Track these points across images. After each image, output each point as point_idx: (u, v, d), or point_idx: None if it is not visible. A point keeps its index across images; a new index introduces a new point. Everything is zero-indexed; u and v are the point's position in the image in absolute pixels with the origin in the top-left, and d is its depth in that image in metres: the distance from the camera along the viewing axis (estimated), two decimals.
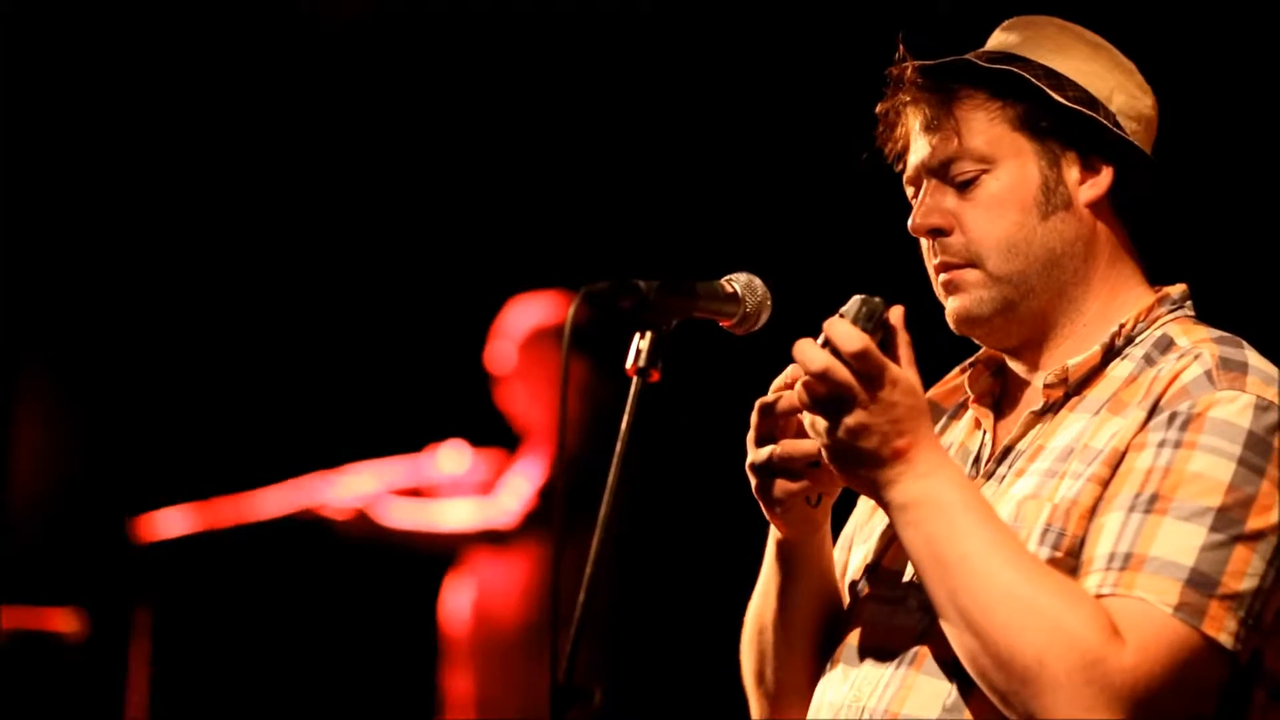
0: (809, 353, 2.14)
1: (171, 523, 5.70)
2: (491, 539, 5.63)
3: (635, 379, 2.20)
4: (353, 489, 5.67)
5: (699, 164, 5.75)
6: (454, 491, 5.79)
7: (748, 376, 2.38)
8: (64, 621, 5.52)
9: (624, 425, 2.19)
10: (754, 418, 2.30)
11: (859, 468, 2.18)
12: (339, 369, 6.59)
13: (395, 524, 5.64)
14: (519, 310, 5.81)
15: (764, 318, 2.34)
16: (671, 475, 5.32)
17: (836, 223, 4.99)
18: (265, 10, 6.46)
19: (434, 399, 6.09)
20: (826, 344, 2.15)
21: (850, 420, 2.14)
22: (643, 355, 2.20)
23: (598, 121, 6.10)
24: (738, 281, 2.33)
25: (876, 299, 2.21)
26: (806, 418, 2.19)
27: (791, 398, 2.24)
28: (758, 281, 2.33)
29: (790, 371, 2.26)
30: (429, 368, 6.28)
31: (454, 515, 5.70)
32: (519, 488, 5.64)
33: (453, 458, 5.82)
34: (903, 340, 2.20)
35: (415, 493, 5.81)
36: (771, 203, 5.48)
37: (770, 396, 2.29)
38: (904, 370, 2.18)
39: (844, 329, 2.14)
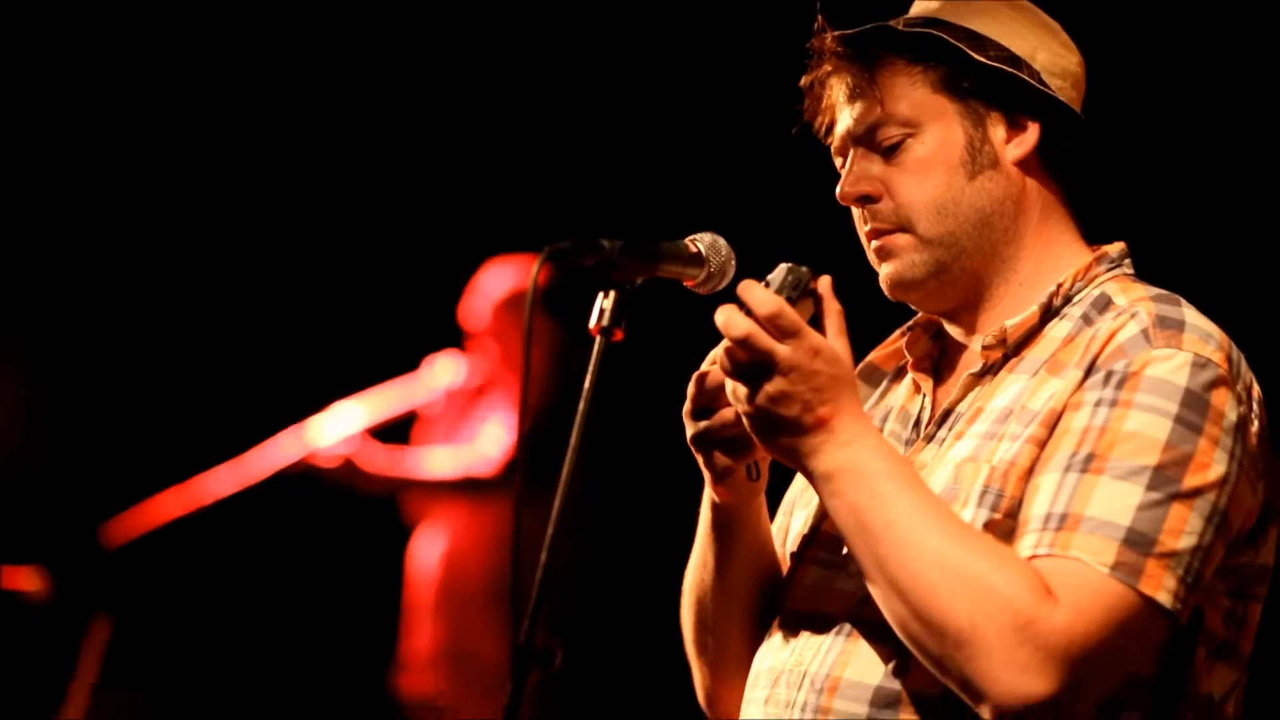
0: (732, 319, 2.13)
1: (152, 514, 5.73)
2: (471, 487, 5.65)
3: (598, 338, 2.20)
4: (341, 428, 5.69)
5: (676, 129, 5.75)
6: (449, 408, 5.82)
7: (711, 337, 2.36)
8: (27, 580, 5.50)
9: (587, 385, 2.19)
10: (690, 389, 2.29)
11: (780, 436, 2.16)
12: (314, 333, 6.58)
13: (380, 469, 5.66)
14: (494, 272, 5.82)
15: (728, 278, 2.32)
16: (636, 435, 5.31)
17: (801, 184, 4.98)
18: None
19: (408, 355, 6.08)
20: (746, 310, 2.14)
21: (770, 387, 2.13)
22: (606, 314, 2.20)
23: (575, 92, 6.10)
24: (702, 242, 2.32)
25: (804, 268, 2.20)
26: (729, 385, 2.18)
27: (716, 372, 2.23)
28: (722, 241, 2.32)
29: (724, 344, 2.23)
30: (403, 328, 6.27)
31: (435, 463, 5.73)
32: (497, 436, 5.66)
33: (448, 367, 5.84)
34: (832, 309, 2.19)
35: (410, 415, 5.83)
36: (737, 165, 5.48)
37: (704, 368, 2.28)
38: (831, 339, 2.16)
39: (759, 293, 2.13)
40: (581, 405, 2.18)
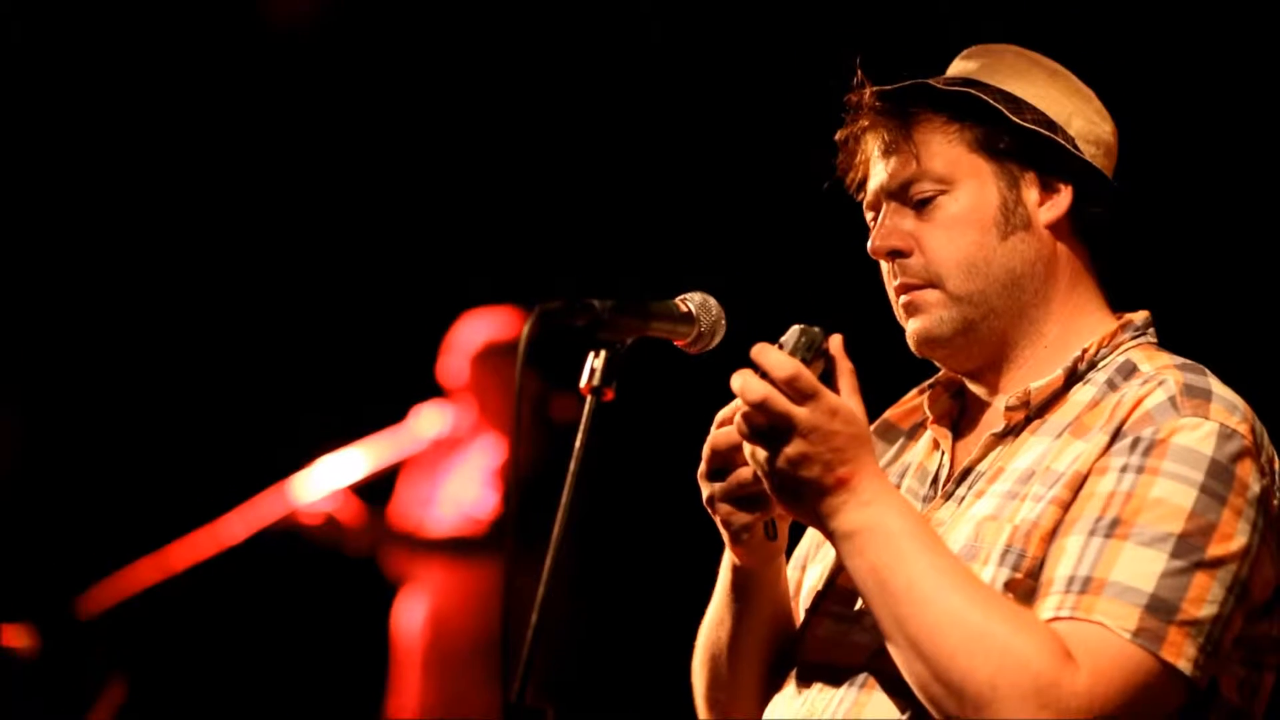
0: (748, 383, 2.13)
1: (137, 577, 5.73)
2: (456, 547, 5.65)
3: (589, 398, 2.20)
4: (326, 484, 5.68)
5: (656, 184, 5.76)
6: (433, 460, 5.82)
7: (702, 396, 2.37)
8: (16, 637, 5.48)
9: (578, 444, 2.18)
10: (704, 452, 2.28)
11: (801, 497, 2.16)
12: (296, 379, 6.58)
13: (365, 527, 5.64)
14: (471, 325, 5.82)
15: (718, 337, 2.33)
16: (627, 494, 5.32)
17: (792, 244, 5.00)
18: (221, 14, 6.44)
19: (389, 411, 6.08)
20: (760, 373, 2.13)
21: (790, 450, 2.13)
22: (597, 374, 2.20)
23: (555, 140, 6.11)
24: (692, 301, 2.32)
25: (815, 329, 2.20)
26: (747, 448, 2.17)
27: (731, 433, 2.22)
28: (712, 301, 2.33)
29: (733, 404, 2.23)
30: (381, 381, 6.27)
31: (420, 522, 5.73)
32: (481, 494, 5.66)
33: (433, 418, 5.83)
34: (844, 368, 2.19)
35: (394, 471, 5.83)
36: (727, 223, 5.49)
37: (715, 428, 2.27)
38: (844, 398, 2.16)
39: (774, 356, 2.13)
40: (573, 465, 2.18)
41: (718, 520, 2.31)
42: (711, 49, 5.57)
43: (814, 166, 2.47)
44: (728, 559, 2.39)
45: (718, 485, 2.28)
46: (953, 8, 4.25)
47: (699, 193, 5.61)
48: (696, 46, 5.62)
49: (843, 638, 2.32)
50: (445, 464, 5.86)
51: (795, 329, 2.21)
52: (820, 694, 2.30)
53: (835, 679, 2.29)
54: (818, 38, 4.86)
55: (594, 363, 2.20)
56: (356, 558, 5.75)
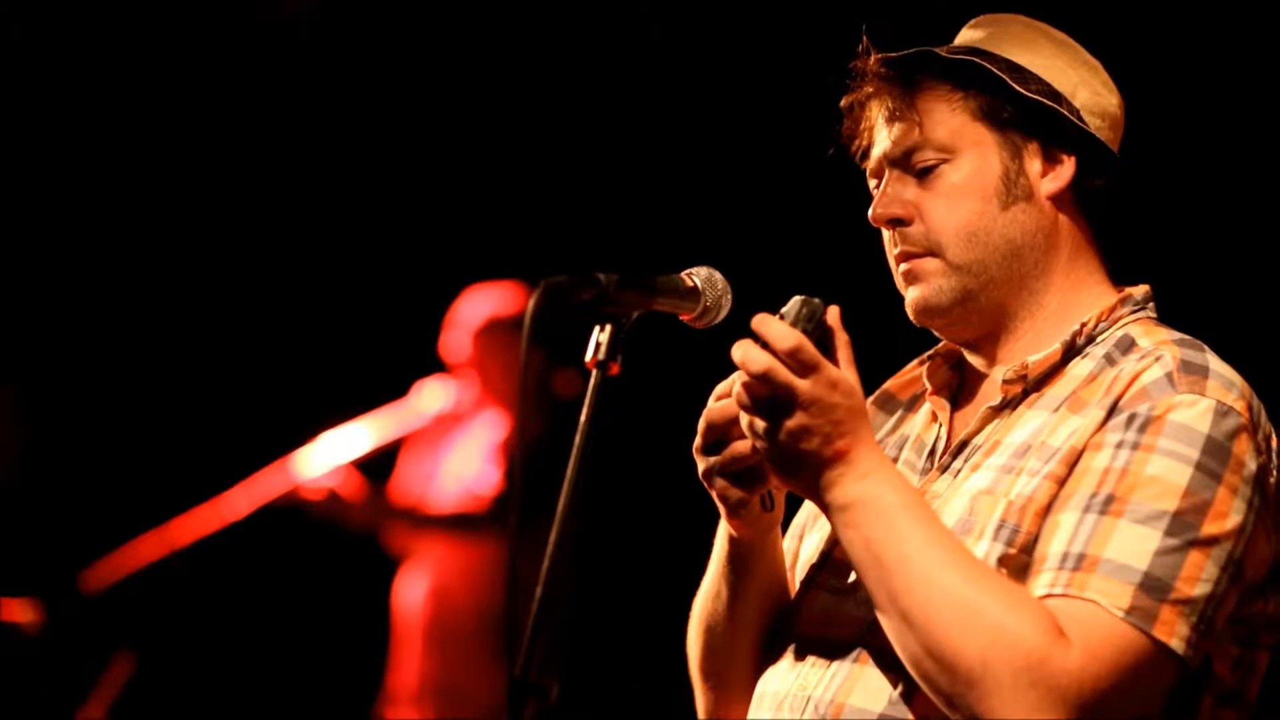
0: (750, 353, 2.12)
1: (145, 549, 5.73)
2: (459, 523, 5.65)
3: (594, 372, 2.19)
4: (328, 459, 5.68)
5: (658, 156, 5.76)
6: (436, 435, 5.82)
7: (707, 370, 2.37)
8: (21, 612, 5.49)
9: (583, 418, 2.18)
10: (700, 425, 2.27)
11: (799, 469, 2.16)
12: (298, 355, 6.58)
13: (367, 502, 5.65)
14: (473, 300, 5.82)
15: (724, 312, 2.32)
16: (632, 468, 5.32)
17: (795, 216, 4.99)
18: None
19: (392, 386, 6.08)
20: (762, 344, 2.13)
21: (791, 422, 2.12)
22: (602, 348, 2.19)
23: (558, 115, 6.10)
24: (698, 275, 2.31)
25: (816, 300, 2.19)
26: (745, 420, 2.17)
27: (726, 407, 2.22)
28: (718, 276, 2.32)
29: (731, 379, 2.23)
30: (384, 356, 6.27)
31: (422, 498, 5.73)
32: (483, 469, 5.66)
33: (436, 393, 5.83)
34: (841, 340, 2.18)
35: (401, 442, 5.83)
36: (731, 196, 5.48)
37: (712, 402, 2.27)
38: (842, 370, 2.16)
39: (777, 327, 2.13)
40: (578, 439, 2.17)
41: (714, 494, 2.30)
42: (704, 20, 5.56)
43: (814, 138, 2.46)
44: (724, 530, 2.38)
45: (714, 459, 2.27)
46: None
47: (701, 167, 5.61)
48: (691, 21, 5.61)
49: (837, 611, 2.32)
50: (448, 439, 5.87)
51: (796, 300, 2.20)
52: (814, 667, 2.29)
53: (829, 652, 2.29)
54: (815, 9, 4.84)
55: (599, 337, 2.20)
56: (358, 533, 5.75)
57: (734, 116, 5.43)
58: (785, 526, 2.47)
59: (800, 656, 2.32)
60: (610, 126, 5.94)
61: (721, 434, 2.26)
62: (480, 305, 5.81)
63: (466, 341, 5.80)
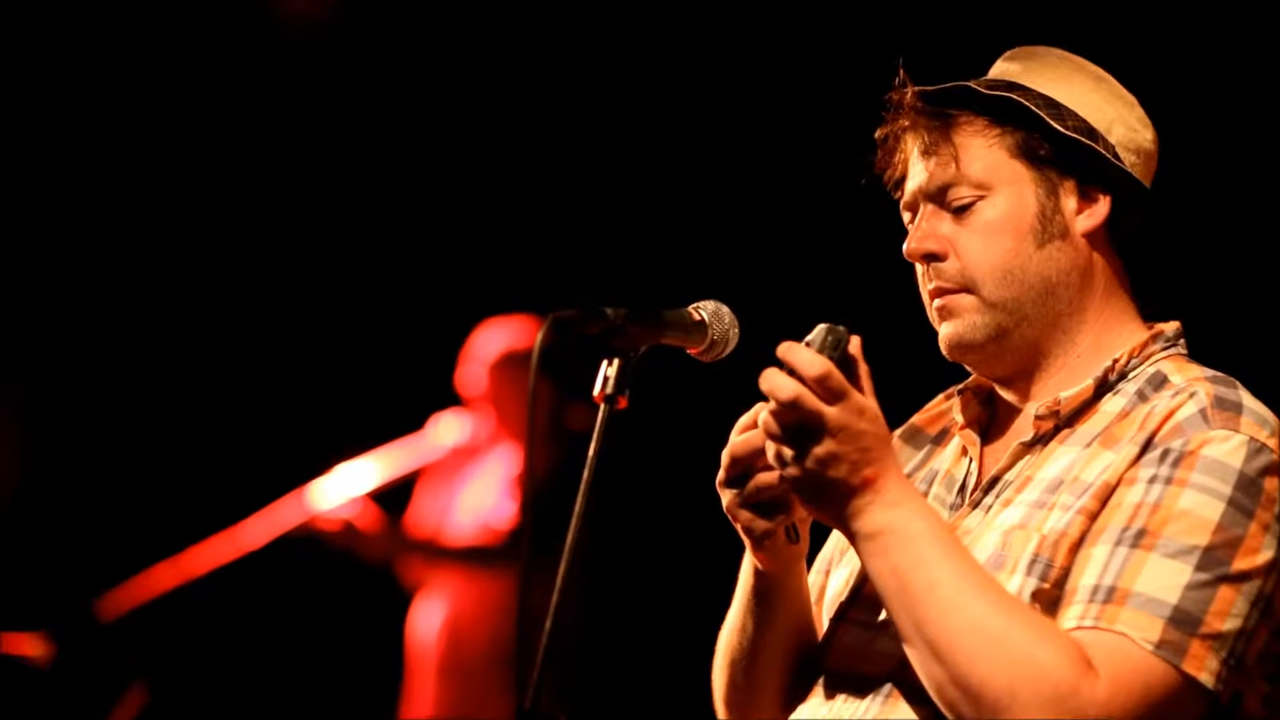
0: (778, 381, 2.12)
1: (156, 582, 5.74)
2: (474, 556, 5.65)
3: (602, 406, 2.20)
4: (344, 490, 5.68)
5: (669, 191, 5.76)
6: (451, 468, 5.83)
7: (715, 403, 2.38)
8: (30, 645, 5.49)
9: (591, 452, 2.19)
10: (724, 459, 2.27)
11: (826, 498, 2.15)
12: (315, 386, 6.59)
13: (382, 534, 5.65)
14: (488, 334, 5.82)
15: (731, 345, 2.33)
16: (641, 501, 5.32)
17: (804, 250, 5.00)
18: (232, 16, 6.45)
19: (407, 419, 6.09)
20: (788, 371, 2.13)
21: (820, 450, 2.12)
22: (610, 382, 2.20)
23: (573, 149, 6.11)
24: (705, 309, 2.32)
25: (841, 328, 2.19)
26: (771, 449, 2.16)
27: (751, 438, 2.22)
28: (725, 309, 2.33)
29: (754, 411, 2.23)
30: (400, 389, 6.28)
31: (437, 530, 5.73)
32: (499, 503, 5.66)
33: (451, 426, 5.84)
34: (863, 371, 2.18)
35: (417, 474, 5.84)
36: (740, 231, 5.49)
37: (736, 434, 2.26)
38: (868, 399, 2.15)
39: (805, 354, 2.12)
40: (586, 473, 2.18)
41: (738, 527, 2.30)
42: (727, 53, 5.56)
43: (829, 173, 2.46)
44: (748, 564, 2.38)
45: (738, 491, 2.27)
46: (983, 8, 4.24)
47: (715, 200, 5.61)
48: (714, 53, 5.61)
49: (868, 646, 2.31)
50: (463, 473, 5.87)
51: (821, 327, 2.20)
52: (845, 703, 2.29)
53: (860, 688, 2.28)
54: (830, 39, 4.85)
55: (607, 371, 2.21)
56: (374, 565, 5.75)
57: (748, 151, 5.44)
58: (810, 560, 2.46)
59: (831, 692, 2.32)
60: (626, 160, 5.94)
61: (746, 466, 2.25)
62: (496, 339, 5.81)
63: (482, 375, 5.80)
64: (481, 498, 5.77)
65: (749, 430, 2.24)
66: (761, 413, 2.16)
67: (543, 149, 6.21)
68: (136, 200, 6.59)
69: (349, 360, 6.57)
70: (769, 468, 2.21)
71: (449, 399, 5.88)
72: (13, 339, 6.63)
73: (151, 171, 6.57)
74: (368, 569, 5.78)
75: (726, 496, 2.28)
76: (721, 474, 2.28)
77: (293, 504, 5.72)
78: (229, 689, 6.55)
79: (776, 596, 2.38)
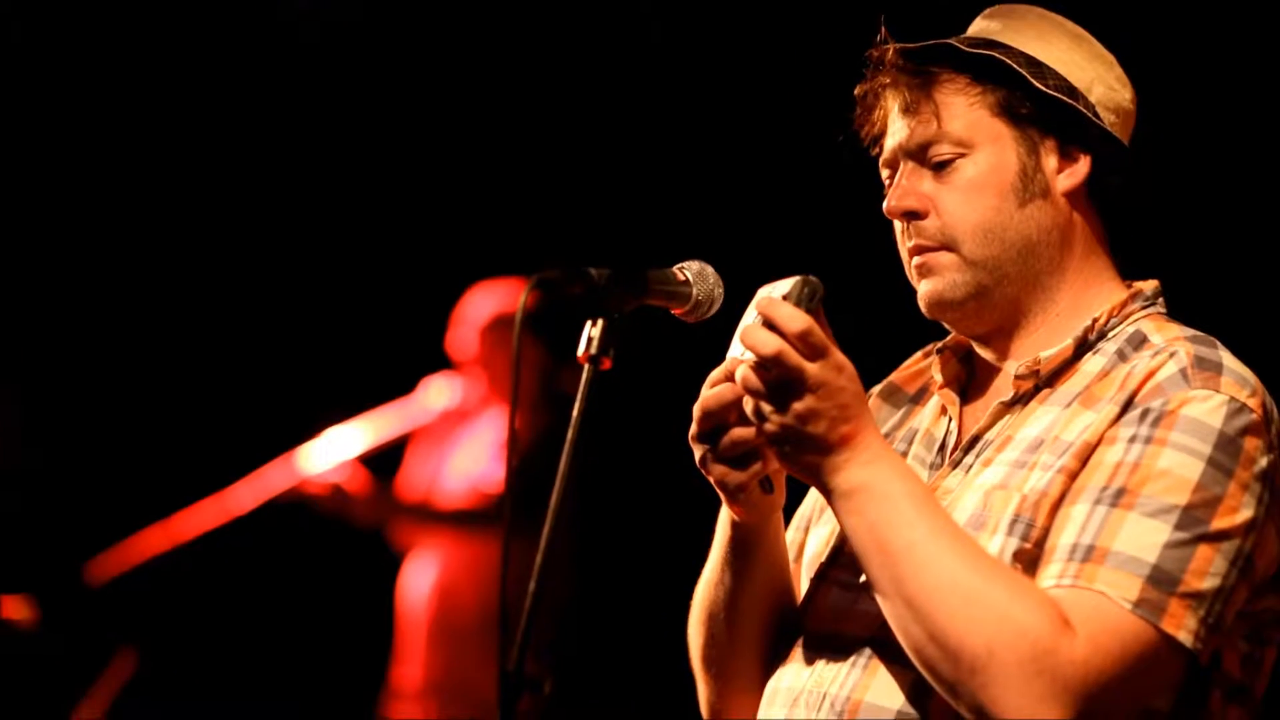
0: (759, 336, 2.12)
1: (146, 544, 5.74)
2: (463, 518, 5.65)
3: (587, 366, 2.19)
4: (334, 454, 5.68)
5: (658, 154, 5.76)
6: (442, 432, 5.82)
7: (700, 363, 2.36)
8: (15, 609, 5.50)
9: (576, 412, 2.18)
10: (696, 413, 2.26)
11: (804, 453, 2.15)
12: (304, 349, 6.59)
13: (372, 497, 5.65)
14: (478, 297, 5.82)
15: (716, 306, 2.32)
16: (626, 461, 5.32)
17: (789, 212, 4.99)
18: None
19: (397, 382, 6.09)
20: (767, 325, 2.12)
21: (799, 405, 2.12)
22: (594, 343, 2.19)
23: (561, 111, 6.10)
24: (689, 269, 2.32)
25: (814, 279, 2.19)
26: (749, 403, 2.16)
27: (723, 393, 2.21)
28: (709, 269, 2.32)
29: (726, 365, 2.22)
30: (390, 353, 6.27)
31: (427, 493, 5.73)
32: (488, 466, 5.66)
33: (442, 390, 5.83)
34: (824, 324, 2.18)
35: (407, 438, 5.83)
36: (725, 191, 5.49)
37: (708, 389, 2.25)
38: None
39: (786, 309, 2.12)
40: (570, 433, 2.17)
41: (712, 480, 2.29)
42: (701, 8, 5.56)
43: (809, 131, 2.45)
44: (724, 517, 2.37)
45: (711, 445, 2.26)
46: None
47: (699, 161, 5.61)
48: (688, 7, 5.61)
49: (850, 607, 2.31)
50: (453, 436, 5.87)
51: (796, 279, 2.19)
52: (828, 665, 2.28)
53: (843, 648, 2.28)
54: (816, 8, 4.84)
55: (591, 331, 2.20)
56: (364, 529, 5.76)
57: (732, 113, 5.43)
58: (789, 516, 2.46)
59: (813, 653, 2.32)
60: (613, 122, 5.94)
61: (718, 420, 2.24)
62: (486, 302, 5.81)
63: (473, 338, 5.80)
64: (472, 461, 5.77)
65: (720, 384, 2.23)
66: (740, 367, 2.16)
67: (529, 113, 6.20)
68: (122, 172, 6.59)
69: (339, 324, 6.57)
70: (742, 422, 2.20)
71: (439, 362, 5.88)
72: (1, 306, 6.63)
73: (131, 139, 6.56)
74: (357, 532, 5.78)
75: (699, 450, 2.27)
76: (694, 428, 2.27)
77: (282, 468, 5.72)
78: (218, 653, 6.55)
79: (754, 548, 2.37)
